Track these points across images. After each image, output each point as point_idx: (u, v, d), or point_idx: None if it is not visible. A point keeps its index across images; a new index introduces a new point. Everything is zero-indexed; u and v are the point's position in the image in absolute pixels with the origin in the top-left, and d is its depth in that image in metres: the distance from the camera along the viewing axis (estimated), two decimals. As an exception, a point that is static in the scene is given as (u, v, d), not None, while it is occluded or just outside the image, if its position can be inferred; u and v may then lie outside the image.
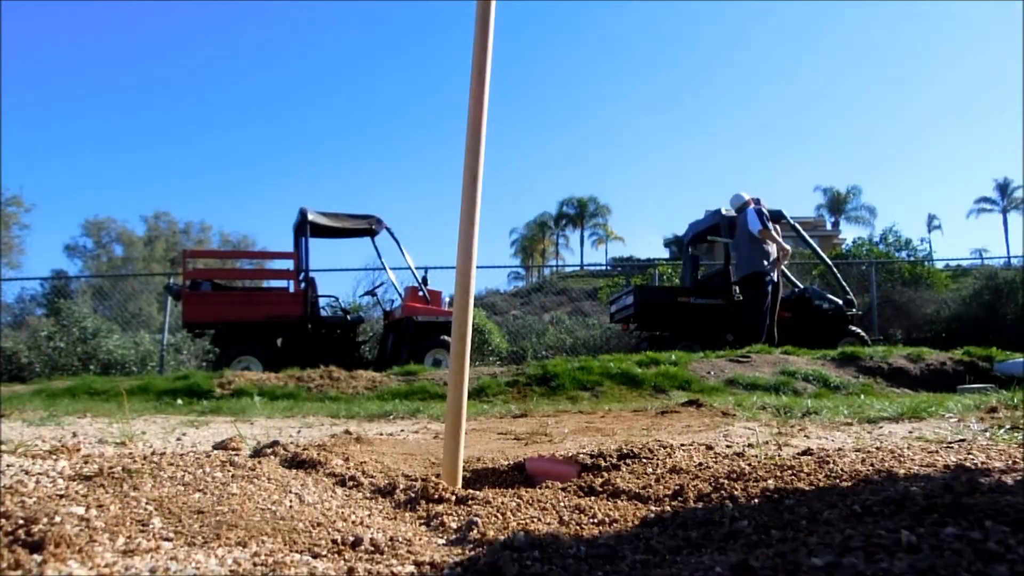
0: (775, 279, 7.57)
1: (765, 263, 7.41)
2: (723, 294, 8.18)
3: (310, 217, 8.35)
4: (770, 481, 1.29)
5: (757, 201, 7.81)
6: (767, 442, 2.01)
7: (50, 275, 20.10)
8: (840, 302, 8.49)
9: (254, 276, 11.84)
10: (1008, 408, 2.50)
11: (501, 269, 56.71)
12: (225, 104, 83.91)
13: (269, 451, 1.81)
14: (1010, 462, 1.41)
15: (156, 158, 73.48)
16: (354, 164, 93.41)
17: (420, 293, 8.59)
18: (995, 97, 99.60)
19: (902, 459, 1.49)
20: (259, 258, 15.09)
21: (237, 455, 1.78)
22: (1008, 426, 2.09)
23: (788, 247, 8.01)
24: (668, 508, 1.14)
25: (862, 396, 4.51)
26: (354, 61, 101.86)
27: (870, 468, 1.38)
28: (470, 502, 1.25)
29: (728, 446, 1.97)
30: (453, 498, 1.27)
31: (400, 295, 9.14)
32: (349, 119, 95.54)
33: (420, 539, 1.00)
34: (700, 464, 1.65)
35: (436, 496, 1.27)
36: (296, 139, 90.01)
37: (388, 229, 8.87)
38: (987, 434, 2.00)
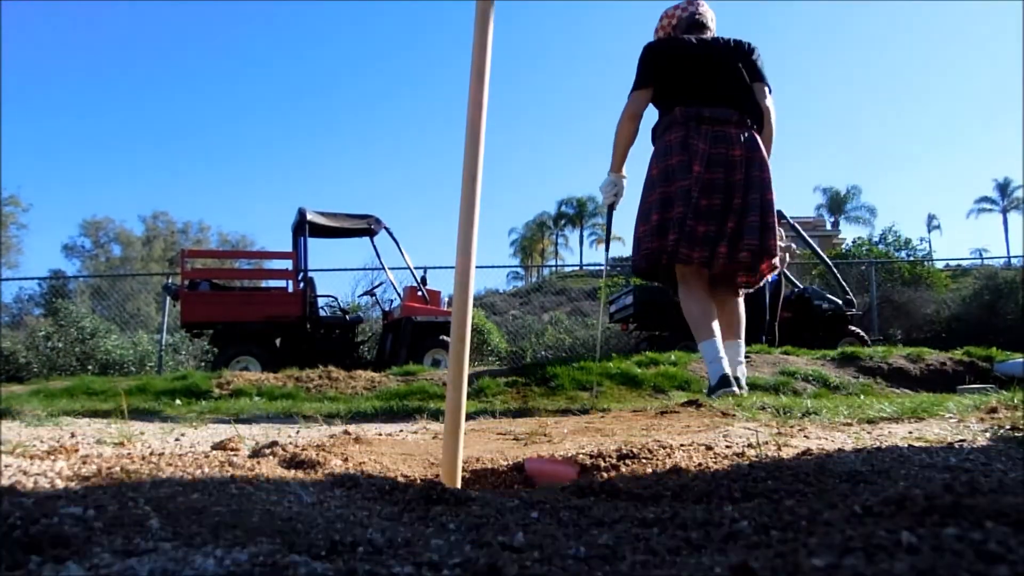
0: (776, 278, 7.51)
1: None
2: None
3: (309, 217, 8.34)
4: (770, 482, 1.28)
5: None
6: (767, 442, 2.01)
7: (48, 275, 20.12)
8: (840, 302, 8.48)
9: (252, 276, 11.84)
10: (1008, 408, 2.50)
11: (500, 269, 56.81)
12: (224, 104, 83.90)
13: (268, 451, 1.80)
14: (1010, 463, 1.41)
15: (154, 158, 73.51)
16: (353, 164, 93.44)
17: (419, 293, 8.58)
18: (995, 97, 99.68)
19: (902, 459, 1.49)
20: (257, 258, 15.08)
21: (236, 455, 1.78)
22: (1008, 426, 2.09)
23: (792, 247, 7.93)
24: (668, 508, 1.14)
25: (862, 396, 4.51)
26: (353, 61, 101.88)
27: (870, 468, 1.38)
28: (469, 502, 1.24)
29: (728, 446, 1.97)
30: (452, 498, 1.27)
31: (399, 295, 9.13)
32: (348, 119, 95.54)
33: (419, 540, 1.00)
34: (700, 464, 1.65)
35: (435, 496, 1.27)
36: (295, 139, 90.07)
37: (387, 229, 8.86)
38: (987, 435, 2.00)
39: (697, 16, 3.25)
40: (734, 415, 2.89)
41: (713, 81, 3.05)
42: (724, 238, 3.00)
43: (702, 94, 3.04)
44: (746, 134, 3.06)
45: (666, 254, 3.05)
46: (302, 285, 8.15)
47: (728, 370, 3.01)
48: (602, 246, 58.54)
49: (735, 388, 2.97)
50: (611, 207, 3.42)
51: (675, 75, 3.08)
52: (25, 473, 1.34)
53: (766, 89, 3.11)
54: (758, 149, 3.06)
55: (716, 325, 3.12)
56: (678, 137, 3.06)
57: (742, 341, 3.16)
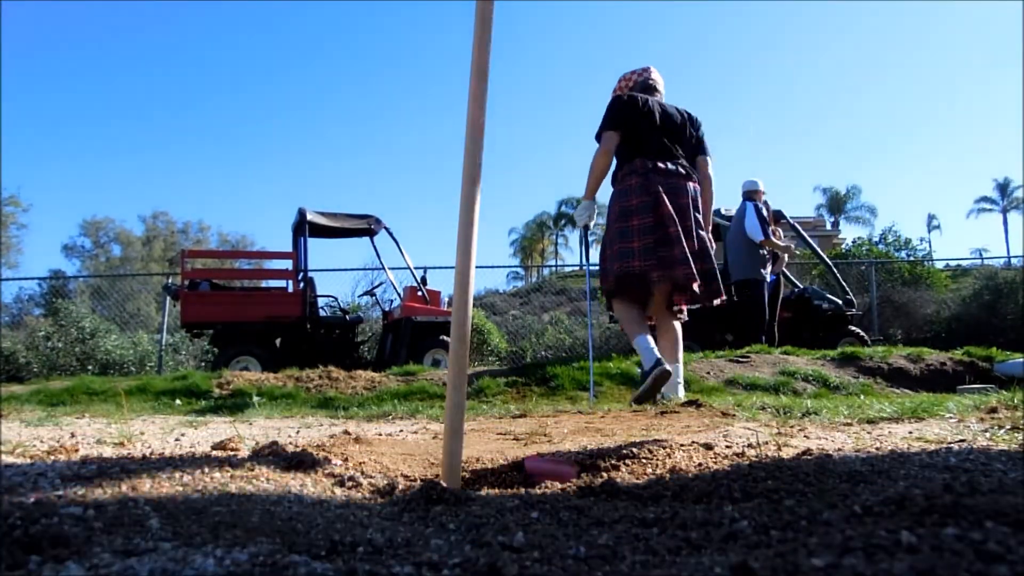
0: (774, 278, 7.47)
1: (762, 270, 7.24)
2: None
3: (309, 217, 8.33)
4: (770, 482, 1.28)
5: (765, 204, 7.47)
6: (767, 442, 2.01)
7: (48, 275, 20.10)
8: (840, 302, 8.47)
9: (253, 276, 11.82)
10: (1008, 408, 2.50)
11: (500, 269, 56.82)
12: (223, 103, 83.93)
13: (268, 451, 1.80)
14: (1010, 463, 1.41)
15: (154, 158, 73.49)
16: (353, 163, 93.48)
17: (419, 293, 8.57)
18: (995, 97, 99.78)
19: (902, 459, 1.49)
20: (257, 258, 15.07)
21: (236, 455, 1.78)
22: (1008, 426, 2.09)
23: (792, 246, 7.87)
24: (668, 508, 1.14)
25: (862, 396, 4.51)
26: (353, 60, 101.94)
27: (870, 468, 1.38)
28: (469, 502, 1.24)
29: (728, 446, 1.97)
30: (452, 498, 1.27)
31: (399, 295, 9.13)
32: (348, 118, 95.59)
33: (419, 540, 1.00)
34: (700, 464, 1.65)
35: (435, 496, 1.27)
36: (295, 139, 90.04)
37: (387, 229, 8.85)
38: (987, 434, 2.00)
39: (650, 81, 3.90)
40: (734, 415, 2.89)
41: (670, 141, 3.68)
42: (697, 277, 3.51)
43: (661, 151, 3.64)
44: (692, 186, 3.68)
45: (655, 275, 3.48)
46: (302, 285, 8.14)
47: (660, 355, 3.43)
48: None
49: (667, 366, 3.32)
50: (586, 227, 3.97)
51: (640, 129, 3.66)
52: (25, 473, 1.34)
53: (709, 160, 3.80)
54: (699, 199, 3.69)
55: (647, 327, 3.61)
56: (638, 182, 3.57)
57: (680, 364, 3.63)
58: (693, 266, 3.41)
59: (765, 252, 7.20)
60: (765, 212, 7.29)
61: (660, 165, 3.57)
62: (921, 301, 11.93)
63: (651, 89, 3.84)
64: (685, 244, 3.44)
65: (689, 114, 3.78)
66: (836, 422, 2.60)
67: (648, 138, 3.60)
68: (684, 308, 3.70)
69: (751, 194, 7.42)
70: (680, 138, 3.68)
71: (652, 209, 3.48)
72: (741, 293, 7.42)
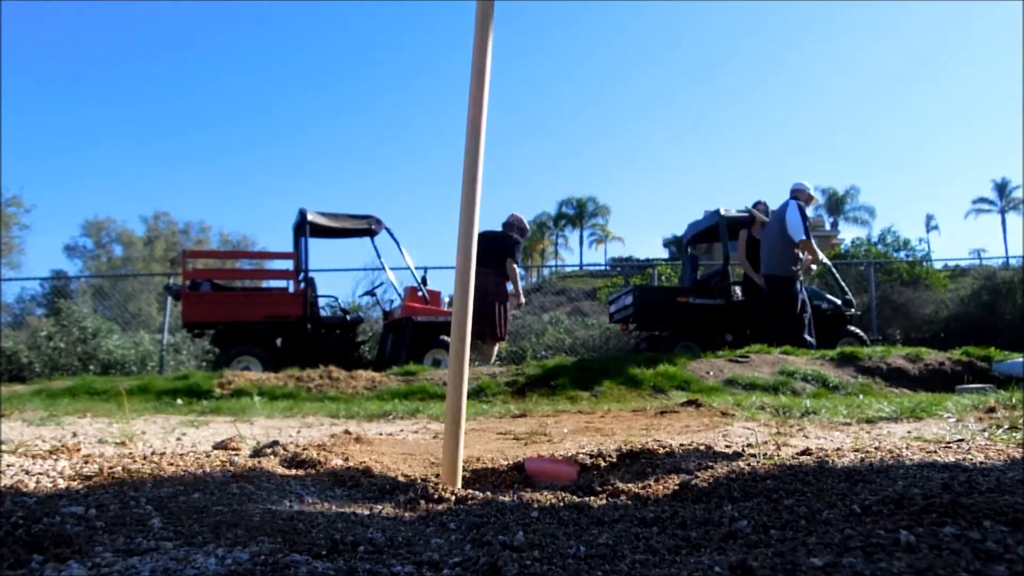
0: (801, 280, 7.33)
1: (795, 268, 7.13)
2: (722, 294, 8.12)
3: (309, 217, 8.33)
4: (769, 481, 1.29)
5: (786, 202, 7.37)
6: (766, 442, 2.02)
7: (50, 275, 20.09)
8: (839, 302, 8.46)
9: (254, 276, 11.80)
10: (1006, 408, 2.50)
11: (500, 269, 56.23)
12: (225, 104, 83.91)
13: (269, 451, 1.81)
14: (1008, 462, 1.41)
15: (156, 158, 73.47)
16: (354, 164, 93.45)
17: (419, 293, 8.58)
18: (994, 97, 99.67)
19: (901, 459, 1.49)
20: (259, 258, 15.06)
21: (237, 455, 1.79)
22: (1006, 426, 2.10)
23: (824, 258, 7.76)
24: (668, 508, 1.14)
25: (861, 396, 4.52)
26: (354, 60, 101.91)
27: (868, 468, 1.39)
28: (469, 502, 1.25)
29: (727, 446, 1.97)
30: (453, 498, 1.27)
31: (399, 295, 9.13)
32: (349, 119, 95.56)
33: (420, 539, 1.00)
34: (699, 464, 1.66)
35: (436, 496, 1.27)
36: (296, 139, 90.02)
37: (387, 229, 8.85)
38: (985, 434, 2.00)
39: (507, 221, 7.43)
40: (734, 415, 2.89)
41: (486, 253, 6.40)
42: (486, 325, 6.94)
43: (480, 259, 5.77)
44: (495, 279, 7.05)
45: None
46: (303, 285, 8.14)
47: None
48: (602, 246, 59.66)
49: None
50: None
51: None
52: (27, 472, 1.35)
53: (513, 262, 7.15)
54: (498, 287, 7.11)
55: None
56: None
57: (490, 360, 7.16)
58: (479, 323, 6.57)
59: (800, 252, 7.10)
60: (808, 216, 7.18)
61: (480, 268, 6.15)
62: (920, 301, 11.93)
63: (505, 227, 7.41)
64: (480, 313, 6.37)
65: (503, 235, 7.19)
66: (835, 422, 2.60)
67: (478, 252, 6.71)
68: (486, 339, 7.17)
69: (797, 193, 7.33)
70: (493, 252, 6.93)
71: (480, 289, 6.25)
72: (773, 289, 7.24)
